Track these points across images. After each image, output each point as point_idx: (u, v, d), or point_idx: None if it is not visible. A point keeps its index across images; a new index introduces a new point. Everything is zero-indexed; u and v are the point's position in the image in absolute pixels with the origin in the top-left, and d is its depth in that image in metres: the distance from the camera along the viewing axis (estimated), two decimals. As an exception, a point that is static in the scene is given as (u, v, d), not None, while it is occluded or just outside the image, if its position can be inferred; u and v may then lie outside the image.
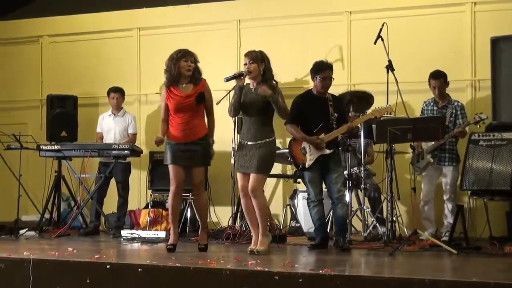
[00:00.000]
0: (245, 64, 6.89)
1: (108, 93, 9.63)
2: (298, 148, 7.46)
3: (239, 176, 6.96)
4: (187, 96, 7.10)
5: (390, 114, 7.84)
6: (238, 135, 8.68)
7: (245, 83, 6.93)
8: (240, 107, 6.90)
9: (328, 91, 7.54)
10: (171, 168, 7.16)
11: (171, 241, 7.17)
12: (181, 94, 7.12)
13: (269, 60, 6.93)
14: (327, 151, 7.34)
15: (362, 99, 8.42)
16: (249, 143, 6.86)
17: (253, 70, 6.85)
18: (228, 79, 6.86)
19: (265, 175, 6.96)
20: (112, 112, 9.59)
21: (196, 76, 7.16)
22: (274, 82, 6.92)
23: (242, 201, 6.97)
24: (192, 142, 7.09)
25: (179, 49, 7.18)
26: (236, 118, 8.29)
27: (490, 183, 7.58)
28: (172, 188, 7.16)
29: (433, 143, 8.08)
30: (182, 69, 7.09)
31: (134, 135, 9.60)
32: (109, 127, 9.54)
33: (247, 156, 6.84)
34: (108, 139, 9.46)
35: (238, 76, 6.84)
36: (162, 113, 7.28)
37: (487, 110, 8.08)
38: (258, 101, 6.84)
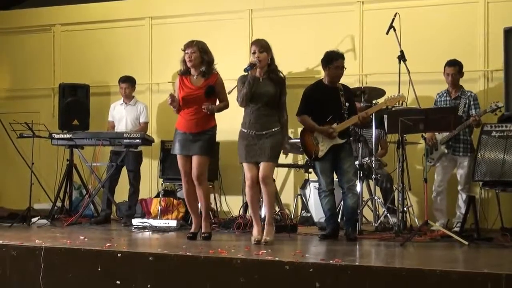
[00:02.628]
0: (254, 53, 6.85)
1: (118, 82, 9.64)
2: (310, 138, 7.43)
3: (247, 166, 6.90)
4: (197, 88, 7.12)
5: (403, 103, 7.84)
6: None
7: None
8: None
9: (340, 81, 7.52)
10: (178, 158, 7.23)
11: (192, 229, 7.28)
12: (192, 86, 7.14)
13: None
14: (340, 141, 7.32)
15: (374, 89, 8.41)
16: (257, 133, 6.84)
17: (262, 59, 6.84)
18: (247, 70, 6.84)
19: (276, 163, 7.01)
20: (123, 101, 9.60)
21: (206, 69, 7.15)
22: (282, 75, 6.93)
23: (249, 192, 6.92)
24: (198, 132, 7.11)
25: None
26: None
27: (502, 174, 7.54)
28: (182, 178, 7.24)
29: (447, 133, 8.06)
30: (186, 61, 7.14)
31: (146, 123, 9.60)
32: (121, 116, 9.55)
33: (257, 145, 6.81)
34: (120, 128, 9.47)
35: (253, 66, 6.83)
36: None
37: (500, 101, 8.02)
38: (265, 91, 6.83)
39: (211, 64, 7.20)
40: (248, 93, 6.82)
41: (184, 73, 7.23)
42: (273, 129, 6.85)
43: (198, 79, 7.18)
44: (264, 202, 6.94)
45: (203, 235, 7.17)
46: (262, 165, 6.81)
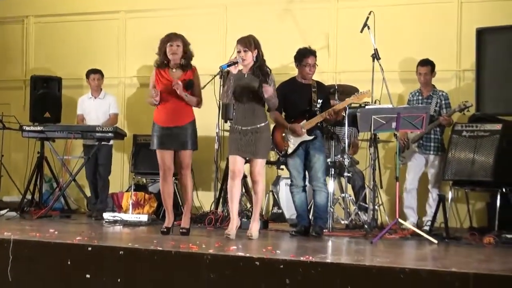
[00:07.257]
0: (239, 52, 6.83)
1: (88, 75, 9.54)
2: (281, 135, 7.46)
3: (230, 159, 6.92)
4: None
5: (376, 102, 7.88)
6: (222, 120, 8.68)
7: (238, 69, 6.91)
8: (232, 94, 6.88)
9: (313, 78, 7.54)
10: (157, 153, 7.14)
11: (165, 224, 7.22)
12: (170, 79, 7.04)
13: (260, 44, 6.90)
14: (308, 138, 7.34)
15: (347, 88, 8.43)
16: (243, 128, 6.84)
17: (247, 58, 6.82)
18: (224, 67, 6.82)
19: (265, 158, 7.03)
20: (92, 95, 9.52)
21: (186, 62, 7.10)
22: (268, 69, 6.91)
23: (230, 184, 6.94)
24: (178, 126, 7.04)
25: (168, 33, 7.12)
26: (221, 103, 8.29)
27: (472, 173, 7.61)
28: (160, 173, 7.17)
29: (418, 132, 8.11)
30: (168, 54, 7.05)
31: (116, 115, 9.53)
32: (90, 110, 9.47)
33: (242, 140, 6.81)
34: (90, 122, 9.40)
35: (232, 64, 6.80)
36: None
37: (471, 100, 8.09)
38: (247, 86, 6.82)
39: (191, 58, 7.16)
40: (228, 89, 6.83)
41: (161, 65, 7.15)
42: (258, 125, 6.83)
43: (176, 72, 7.10)
44: (253, 199, 7.02)
45: (181, 230, 7.11)
46: (251, 163, 6.88)
